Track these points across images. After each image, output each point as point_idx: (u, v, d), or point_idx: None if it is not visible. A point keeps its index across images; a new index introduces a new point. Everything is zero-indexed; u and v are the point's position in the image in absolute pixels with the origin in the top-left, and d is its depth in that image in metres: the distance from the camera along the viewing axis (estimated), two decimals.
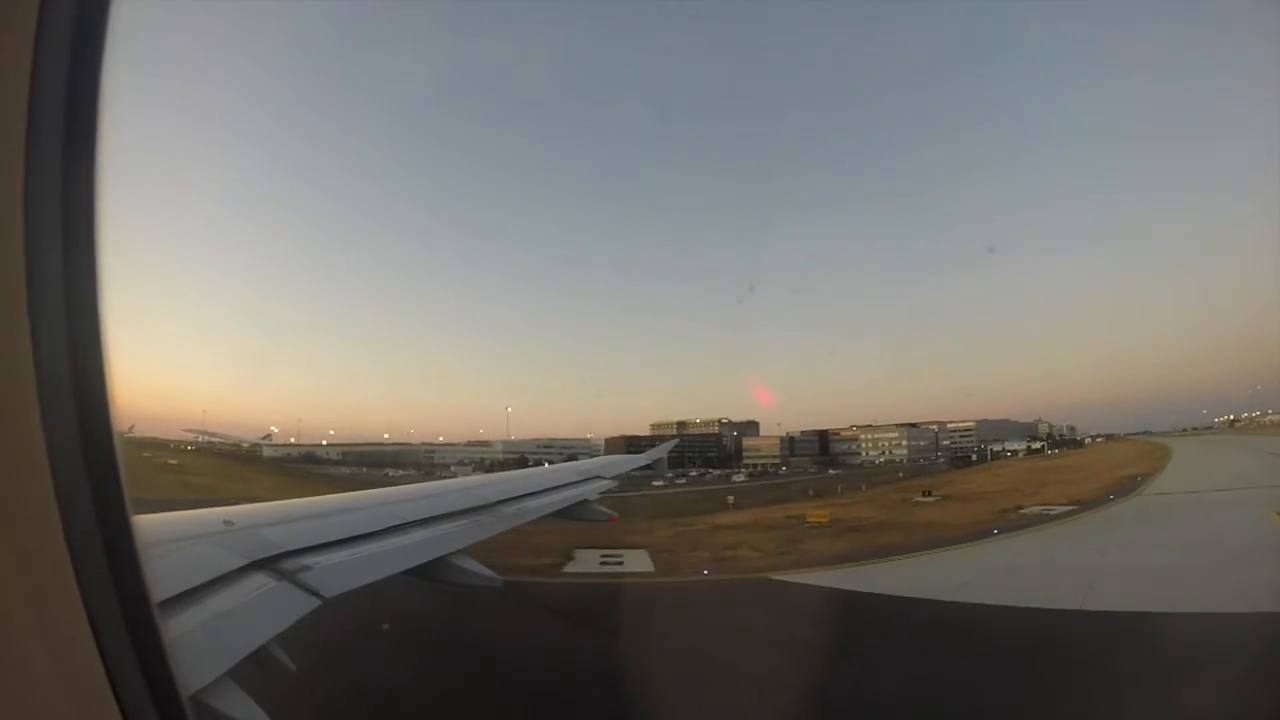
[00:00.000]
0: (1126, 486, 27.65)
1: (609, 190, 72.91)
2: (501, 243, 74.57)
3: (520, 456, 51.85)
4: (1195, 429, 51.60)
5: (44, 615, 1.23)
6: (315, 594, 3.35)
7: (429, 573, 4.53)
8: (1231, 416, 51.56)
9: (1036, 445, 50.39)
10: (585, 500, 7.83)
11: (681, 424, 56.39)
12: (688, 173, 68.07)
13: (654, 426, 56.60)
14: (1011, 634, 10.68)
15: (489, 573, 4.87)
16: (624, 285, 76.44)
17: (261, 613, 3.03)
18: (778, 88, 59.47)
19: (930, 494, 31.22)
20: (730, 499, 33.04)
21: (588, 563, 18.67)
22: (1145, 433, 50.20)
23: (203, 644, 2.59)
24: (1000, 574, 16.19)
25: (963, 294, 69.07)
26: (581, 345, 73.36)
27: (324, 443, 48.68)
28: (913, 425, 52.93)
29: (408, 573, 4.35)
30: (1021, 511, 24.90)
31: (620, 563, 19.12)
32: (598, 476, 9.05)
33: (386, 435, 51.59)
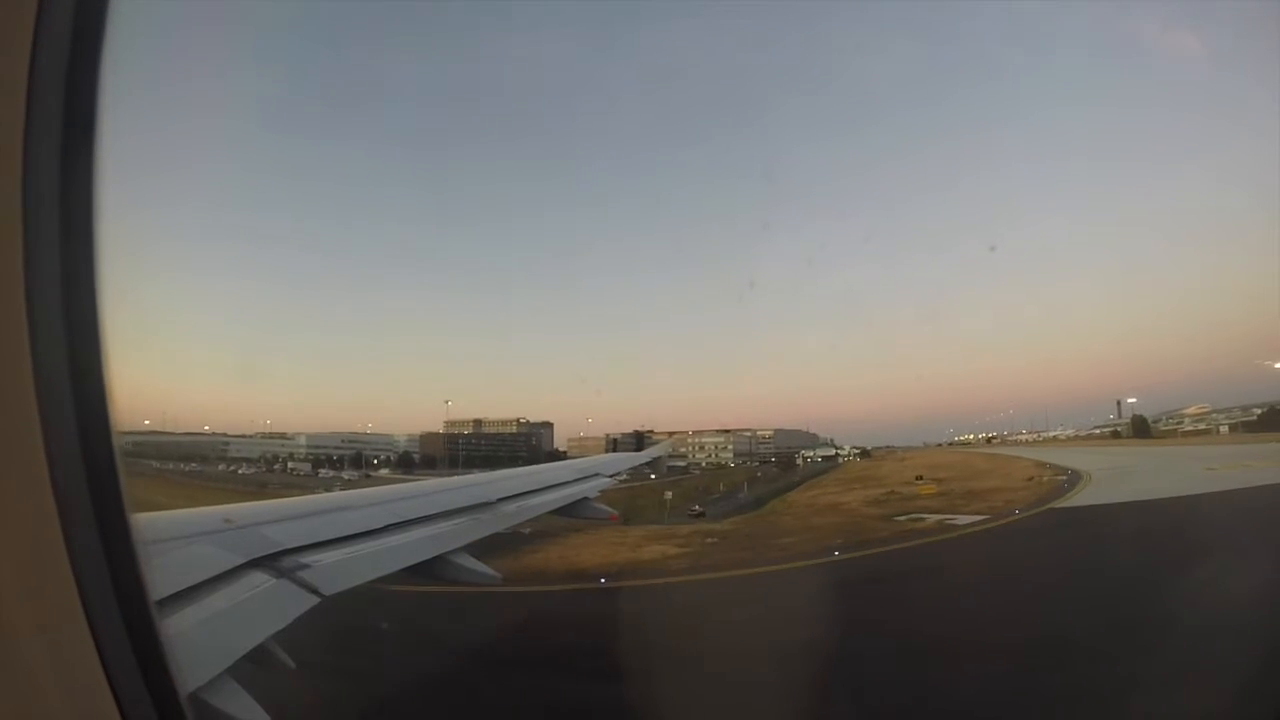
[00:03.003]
0: (1067, 472, 30.32)
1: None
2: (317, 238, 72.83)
3: (357, 451, 50.79)
4: (951, 443, 58.64)
5: (42, 613, 1.23)
6: (314, 592, 3.35)
7: (429, 570, 4.54)
8: (990, 434, 59.02)
9: (844, 453, 54.38)
10: (585, 498, 7.83)
11: (478, 422, 55.46)
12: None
13: (448, 424, 55.54)
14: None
15: (489, 570, 4.89)
16: (421, 287, 76.00)
17: (261, 611, 3.03)
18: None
19: (922, 477, 33.60)
20: (668, 495, 32.28)
21: (947, 524, 21.23)
22: (888, 447, 55.37)
23: (202, 642, 2.59)
24: (1178, 482, 22.35)
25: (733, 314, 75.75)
26: (385, 343, 73.23)
27: None
28: (728, 431, 54.33)
29: (407, 570, 4.36)
30: (1045, 480, 28.06)
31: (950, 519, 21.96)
32: (597, 474, 9.04)
33: (147, 422, 48.32)
